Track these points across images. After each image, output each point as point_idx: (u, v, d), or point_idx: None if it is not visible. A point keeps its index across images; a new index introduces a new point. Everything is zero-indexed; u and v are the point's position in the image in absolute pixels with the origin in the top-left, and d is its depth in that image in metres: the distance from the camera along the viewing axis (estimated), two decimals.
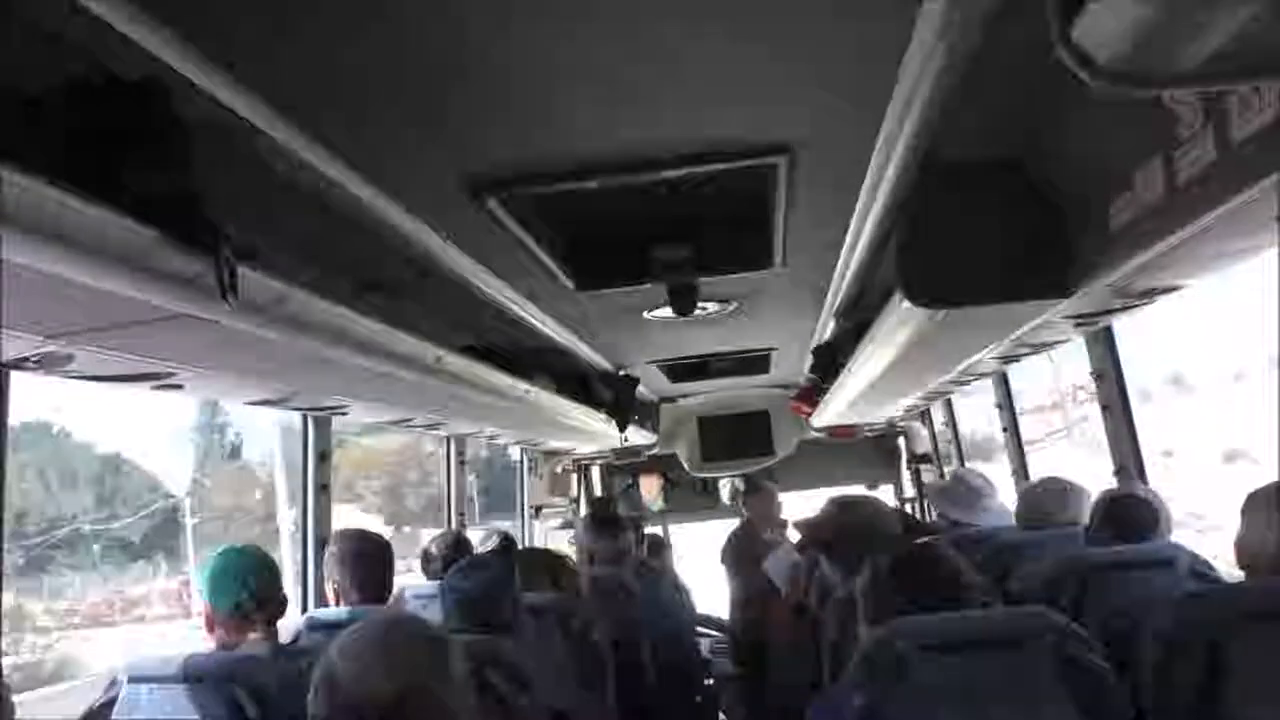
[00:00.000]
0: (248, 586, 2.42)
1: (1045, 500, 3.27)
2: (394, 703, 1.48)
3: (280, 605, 2.51)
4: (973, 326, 2.73)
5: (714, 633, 5.89)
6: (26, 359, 1.87)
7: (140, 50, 1.32)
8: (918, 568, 2.14)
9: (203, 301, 1.63)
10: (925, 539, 2.94)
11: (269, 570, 2.50)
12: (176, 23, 1.30)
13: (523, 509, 6.38)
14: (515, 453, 6.45)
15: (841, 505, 3.14)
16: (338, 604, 3.06)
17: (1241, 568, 2.11)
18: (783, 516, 5.70)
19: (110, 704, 2.24)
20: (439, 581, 3.21)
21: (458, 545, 4.03)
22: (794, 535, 4.59)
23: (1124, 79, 1.07)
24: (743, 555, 5.45)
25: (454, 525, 5.05)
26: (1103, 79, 1.07)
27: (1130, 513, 2.76)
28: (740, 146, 1.97)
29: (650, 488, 7.26)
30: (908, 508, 6.46)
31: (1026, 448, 4.51)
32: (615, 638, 3.33)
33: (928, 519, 5.85)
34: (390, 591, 3.17)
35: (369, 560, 3.08)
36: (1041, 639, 1.90)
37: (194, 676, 2.19)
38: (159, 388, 2.35)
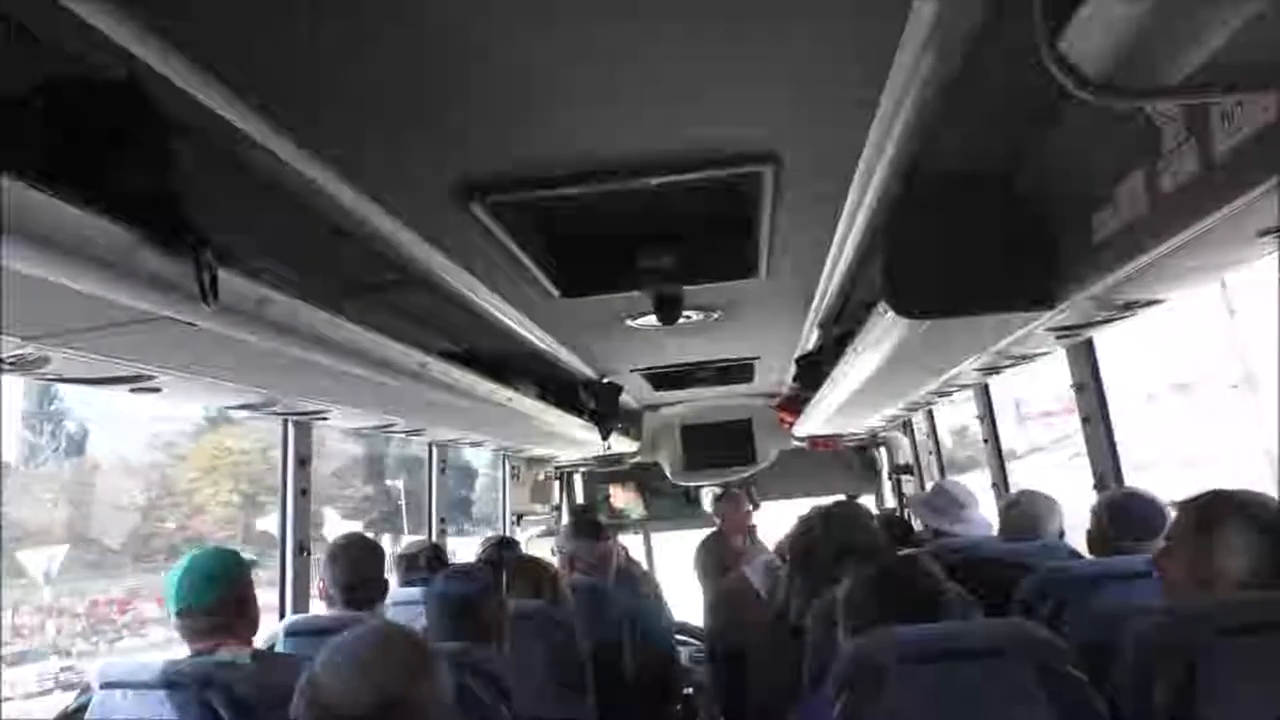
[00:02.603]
0: (218, 590, 2.38)
1: (1033, 512, 3.29)
2: (376, 713, 1.48)
3: (250, 608, 2.47)
4: (956, 337, 2.74)
5: (692, 641, 5.91)
6: (1, 360, 1.84)
7: (122, 50, 1.30)
8: (897, 579, 2.13)
9: (182, 304, 1.61)
10: (908, 551, 2.95)
11: (238, 572, 2.47)
12: (159, 23, 1.29)
13: (505, 516, 6.36)
14: (470, 456, 6.39)
15: (824, 515, 3.13)
16: (330, 606, 3.06)
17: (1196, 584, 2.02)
18: (751, 523, 5.85)
19: (81, 710, 2.22)
20: (421, 588, 3.21)
21: (436, 553, 4.03)
22: (771, 542, 4.62)
23: (1109, 91, 1.08)
24: (715, 561, 5.61)
25: (434, 533, 5.03)
26: (1088, 91, 1.07)
27: (1141, 511, 2.74)
28: (727, 155, 1.97)
29: (626, 496, 7.26)
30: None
31: (1035, 454, 4.52)
32: (595, 644, 3.32)
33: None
34: (384, 596, 3.15)
35: (355, 564, 3.06)
36: (1021, 650, 1.90)
37: (168, 682, 2.16)
38: (137, 390, 2.33)
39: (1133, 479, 3.28)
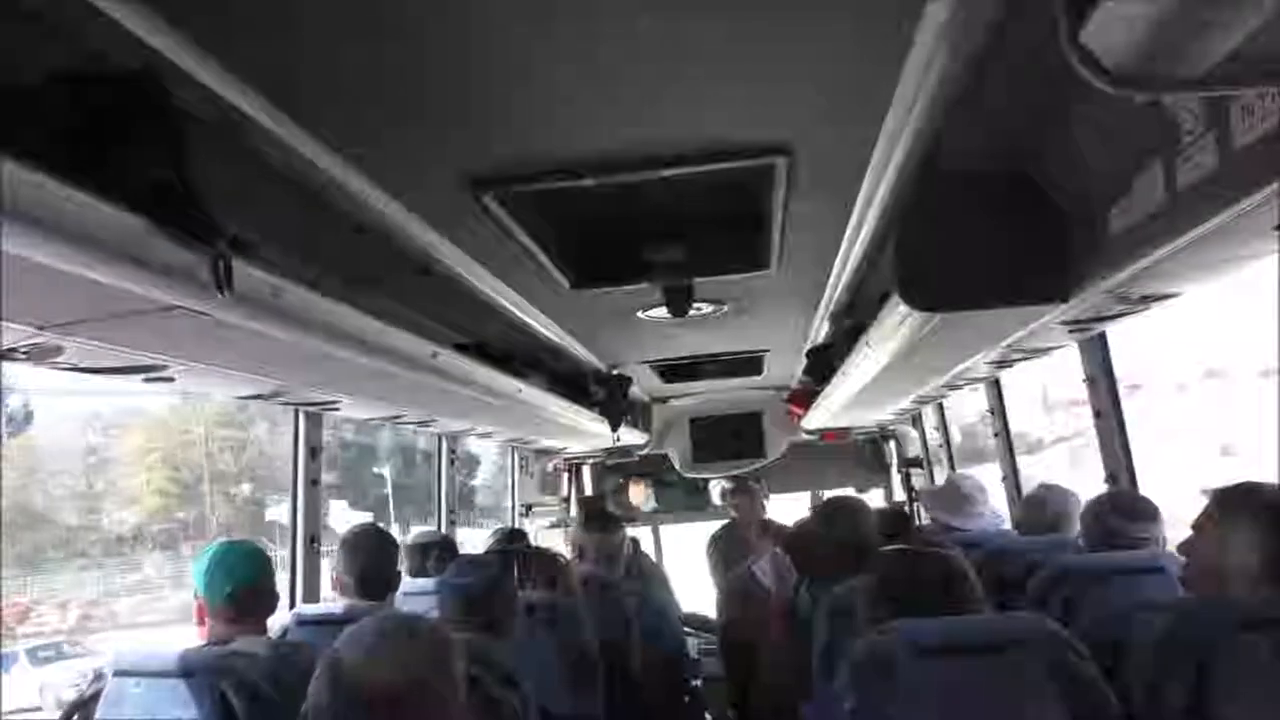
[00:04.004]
0: (242, 580, 2.42)
1: (1058, 509, 3.30)
2: (395, 696, 1.51)
3: (272, 600, 2.52)
4: (969, 331, 2.73)
5: (701, 633, 5.91)
6: (15, 349, 1.85)
7: (137, 40, 1.31)
8: (914, 572, 2.13)
9: (196, 294, 1.62)
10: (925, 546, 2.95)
11: (263, 564, 2.51)
12: (173, 12, 1.29)
13: (514, 508, 6.37)
14: (475, 446, 6.39)
15: (824, 513, 3.14)
16: (343, 595, 3.08)
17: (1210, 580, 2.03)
18: (766, 517, 5.84)
19: (95, 697, 2.23)
20: (433, 578, 3.22)
21: (446, 544, 4.04)
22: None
23: (1131, 83, 1.07)
24: (727, 553, 5.60)
25: (443, 524, 5.03)
26: (1110, 82, 1.07)
27: (1129, 495, 2.87)
28: (739, 147, 1.96)
29: (634, 489, 7.26)
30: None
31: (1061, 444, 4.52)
32: (605, 636, 3.32)
33: (918, 522, 5.88)
34: (395, 588, 3.18)
35: (368, 554, 3.09)
36: (1035, 645, 1.89)
37: (182, 670, 2.18)
38: (150, 380, 2.33)
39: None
